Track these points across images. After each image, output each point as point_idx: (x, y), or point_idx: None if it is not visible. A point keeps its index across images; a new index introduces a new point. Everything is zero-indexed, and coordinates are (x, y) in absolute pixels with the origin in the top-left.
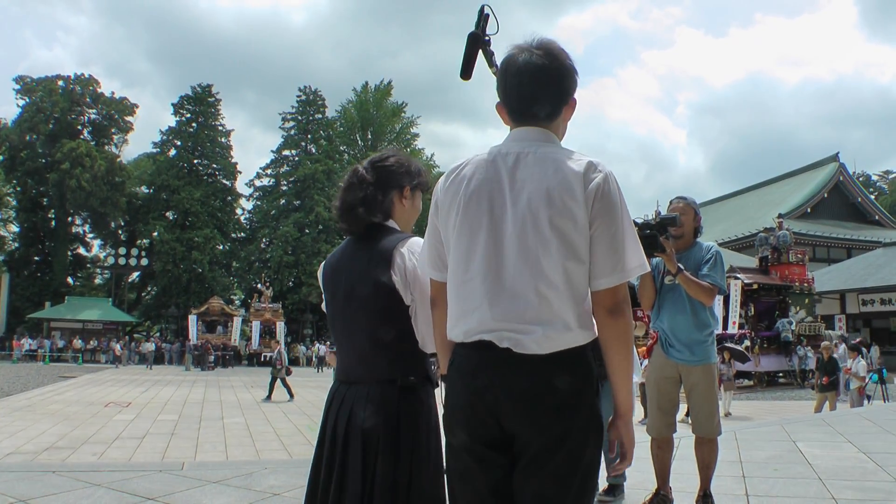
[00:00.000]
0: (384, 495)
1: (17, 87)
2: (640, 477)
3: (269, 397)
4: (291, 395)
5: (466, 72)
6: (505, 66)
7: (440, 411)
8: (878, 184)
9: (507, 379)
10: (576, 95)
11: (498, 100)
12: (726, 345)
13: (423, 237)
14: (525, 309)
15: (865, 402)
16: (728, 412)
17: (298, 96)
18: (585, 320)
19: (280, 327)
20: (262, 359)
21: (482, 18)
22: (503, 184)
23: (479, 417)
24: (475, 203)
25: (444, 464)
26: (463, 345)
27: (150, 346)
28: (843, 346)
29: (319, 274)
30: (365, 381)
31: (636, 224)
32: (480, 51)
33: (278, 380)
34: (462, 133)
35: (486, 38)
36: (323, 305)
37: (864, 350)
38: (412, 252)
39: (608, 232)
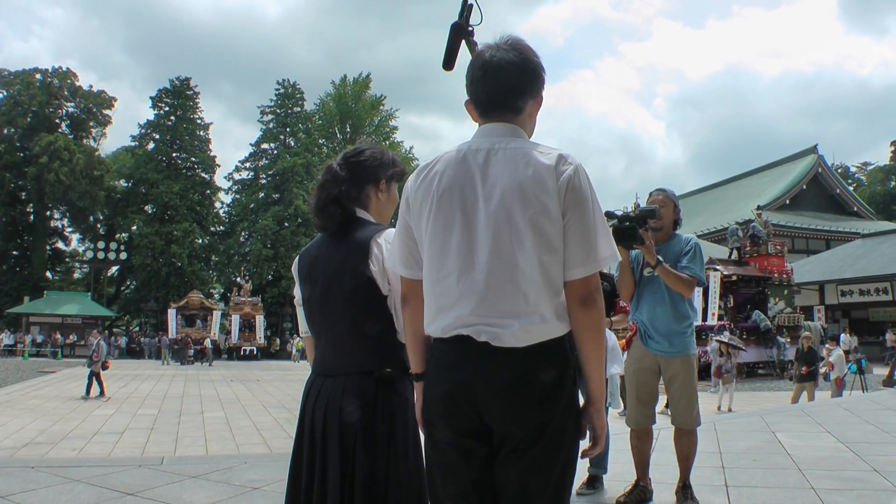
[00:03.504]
0: (362, 489)
1: None
2: (619, 468)
3: (87, 394)
4: (102, 392)
5: (449, 62)
6: (472, 63)
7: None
8: (856, 175)
9: (485, 372)
10: (546, 91)
11: (467, 97)
12: (720, 338)
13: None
14: (501, 303)
15: (844, 392)
16: (729, 407)
17: (277, 89)
18: (561, 312)
19: (259, 321)
20: (242, 353)
21: (465, 8)
22: (475, 180)
23: (459, 409)
24: (447, 200)
25: (424, 458)
26: (441, 339)
27: (166, 340)
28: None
29: (294, 267)
30: (342, 373)
31: (616, 216)
32: (463, 41)
33: (96, 374)
34: (441, 125)
35: (470, 28)
36: (296, 299)
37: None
38: (388, 242)
39: (580, 223)
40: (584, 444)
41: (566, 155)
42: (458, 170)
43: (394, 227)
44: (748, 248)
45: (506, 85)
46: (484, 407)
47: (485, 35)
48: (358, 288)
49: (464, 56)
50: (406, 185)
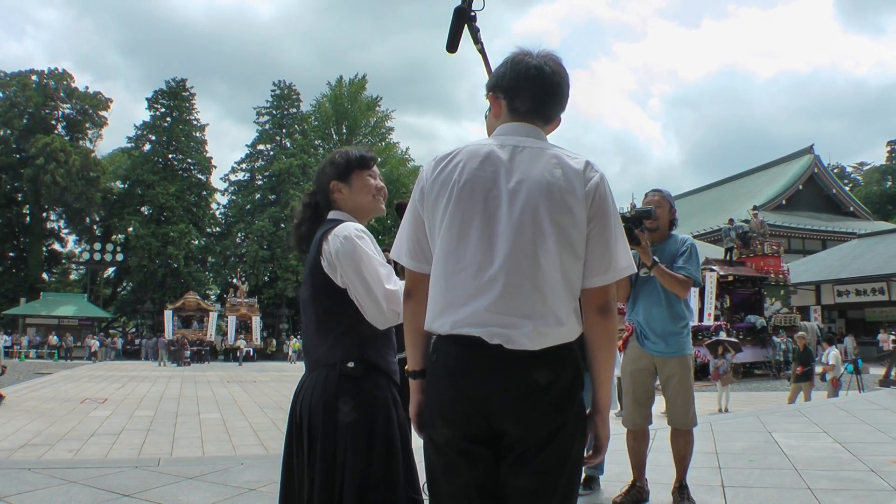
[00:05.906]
0: (322, 483)
1: None
2: (616, 469)
3: None
4: None
5: (453, 45)
6: (522, 62)
7: (411, 405)
8: (852, 175)
9: (498, 378)
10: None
11: (490, 91)
12: (720, 338)
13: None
14: (518, 302)
15: (840, 392)
16: (726, 408)
17: (273, 90)
18: (578, 316)
19: (256, 322)
20: (237, 354)
21: None
22: (499, 175)
23: (467, 416)
24: (468, 193)
25: (424, 459)
26: (449, 339)
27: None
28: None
29: None
30: (314, 368)
31: None
32: (466, 26)
33: None
34: (437, 125)
35: (472, 13)
36: None
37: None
38: (337, 235)
39: (604, 232)
40: (586, 451)
41: (593, 163)
42: (481, 163)
43: (390, 210)
44: (742, 249)
45: (553, 94)
46: (496, 414)
47: (486, 33)
48: (317, 284)
49: (465, 41)
50: (421, 175)
